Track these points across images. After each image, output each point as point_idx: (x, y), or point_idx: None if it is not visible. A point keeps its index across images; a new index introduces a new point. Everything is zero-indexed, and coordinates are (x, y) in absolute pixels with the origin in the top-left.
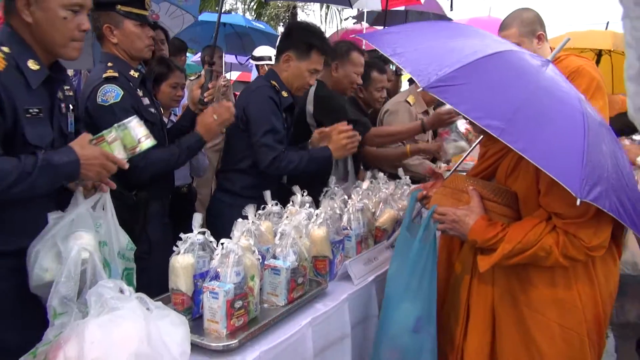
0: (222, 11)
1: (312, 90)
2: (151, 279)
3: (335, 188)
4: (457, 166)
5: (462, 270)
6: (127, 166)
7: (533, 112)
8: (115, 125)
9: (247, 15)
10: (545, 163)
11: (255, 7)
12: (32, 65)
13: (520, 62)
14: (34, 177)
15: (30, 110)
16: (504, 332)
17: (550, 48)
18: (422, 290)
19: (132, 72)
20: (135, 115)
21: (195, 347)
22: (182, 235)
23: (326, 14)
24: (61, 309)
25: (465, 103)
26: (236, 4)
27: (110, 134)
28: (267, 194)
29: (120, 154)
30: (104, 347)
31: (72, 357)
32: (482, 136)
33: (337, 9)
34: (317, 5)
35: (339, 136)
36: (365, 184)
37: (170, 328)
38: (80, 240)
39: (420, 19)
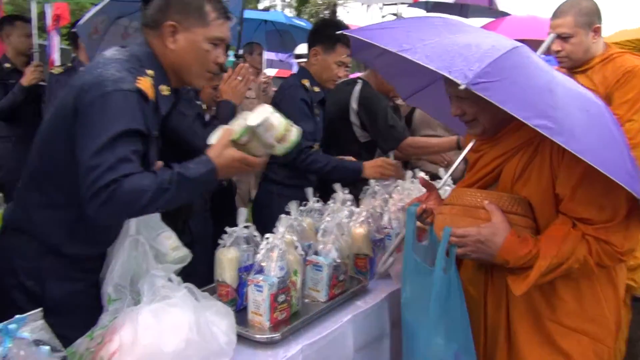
0: (263, 8)
1: (358, 88)
2: (193, 270)
3: (376, 187)
4: (445, 180)
5: (474, 292)
6: (260, 167)
7: (566, 109)
8: (249, 124)
9: (287, 12)
10: (604, 167)
11: (296, 4)
12: (164, 90)
13: (534, 57)
14: (171, 192)
15: (155, 133)
16: (526, 351)
17: (606, 44)
18: (456, 324)
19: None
20: (271, 111)
21: (239, 337)
22: (227, 229)
23: (366, 9)
24: (115, 295)
25: (510, 101)
26: (275, 0)
27: (243, 137)
28: (309, 190)
29: (259, 151)
30: (157, 333)
31: (127, 341)
32: (472, 142)
33: (380, 7)
34: (358, 2)
35: (381, 164)
36: (406, 184)
37: (216, 318)
38: (131, 226)
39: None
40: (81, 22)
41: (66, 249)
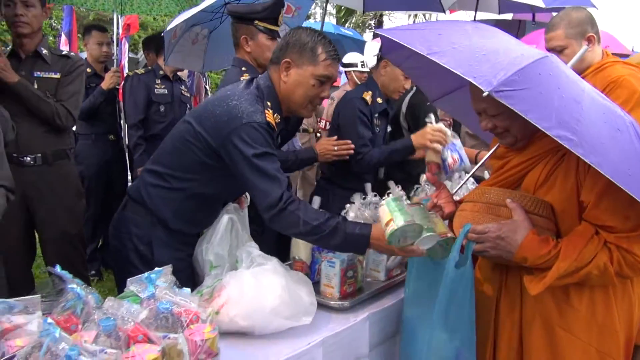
0: (307, 19)
1: (409, 94)
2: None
3: (426, 185)
4: (464, 183)
5: (489, 290)
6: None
7: (592, 121)
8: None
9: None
10: (625, 181)
11: (339, 13)
12: (276, 119)
13: (563, 67)
14: (327, 237)
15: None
16: (533, 356)
17: (604, 52)
18: (462, 320)
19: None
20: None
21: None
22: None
23: (414, 21)
24: (216, 262)
25: (534, 111)
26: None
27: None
28: (368, 186)
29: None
30: (257, 291)
31: (233, 296)
32: (495, 147)
33: (425, 16)
34: (404, 13)
35: (428, 130)
36: (454, 185)
37: (299, 285)
38: (228, 207)
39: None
40: (168, 27)
41: (172, 224)
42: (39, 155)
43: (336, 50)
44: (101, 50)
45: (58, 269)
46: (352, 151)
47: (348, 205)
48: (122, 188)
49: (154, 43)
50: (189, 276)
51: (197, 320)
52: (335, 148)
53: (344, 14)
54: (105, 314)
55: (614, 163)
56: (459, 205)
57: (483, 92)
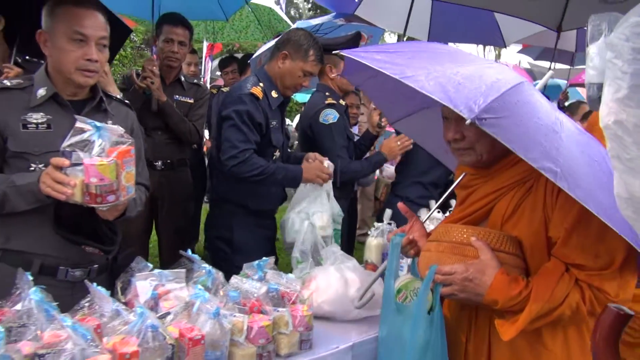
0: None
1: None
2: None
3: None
4: (431, 213)
5: (458, 330)
6: None
7: (571, 151)
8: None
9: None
10: (607, 216)
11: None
12: (274, 94)
13: (537, 95)
14: (273, 177)
15: (274, 123)
16: None
17: None
18: None
19: (340, 101)
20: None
21: None
22: (375, 223)
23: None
24: (301, 258)
25: (517, 140)
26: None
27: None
28: (432, 202)
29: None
30: (341, 283)
31: (322, 285)
32: (462, 176)
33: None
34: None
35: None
36: None
37: None
38: (316, 216)
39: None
40: (254, 55)
41: (249, 203)
42: (168, 161)
43: (322, 54)
44: (189, 69)
45: (189, 252)
46: (411, 146)
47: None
48: (201, 193)
49: (238, 64)
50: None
51: (296, 300)
52: (398, 143)
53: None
54: (232, 287)
55: (595, 195)
56: None
57: (464, 118)
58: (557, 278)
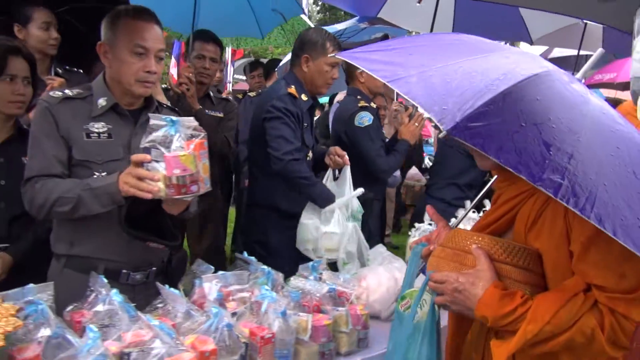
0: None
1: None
2: None
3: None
4: (464, 217)
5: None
6: None
7: (595, 155)
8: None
9: None
10: (630, 240)
11: None
12: (304, 97)
13: (562, 86)
14: (312, 188)
15: (305, 124)
16: None
17: None
18: None
19: (372, 104)
20: None
21: None
22: (415, 224)
23: None
24: (347, 259)
25: (508, 152)
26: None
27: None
28: (467, 202)
29: None
30: (387, 281)
31: (372, 284)
32: (494, 178)
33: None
34: None
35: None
36: None
37: None
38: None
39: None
40: (281, 63)
41: (282, 206)
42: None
43: (339, 42)
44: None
45: (245, 254)
46: (425, 120)
47: (453, 220)
48: (227, 198)
49: (264, 68)
50: (291, 257)
51: (350, 299)
52: (416, 124)
53: None
54: (292, 288)
55: (623, 211)
56: None
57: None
58: (567, 297)
